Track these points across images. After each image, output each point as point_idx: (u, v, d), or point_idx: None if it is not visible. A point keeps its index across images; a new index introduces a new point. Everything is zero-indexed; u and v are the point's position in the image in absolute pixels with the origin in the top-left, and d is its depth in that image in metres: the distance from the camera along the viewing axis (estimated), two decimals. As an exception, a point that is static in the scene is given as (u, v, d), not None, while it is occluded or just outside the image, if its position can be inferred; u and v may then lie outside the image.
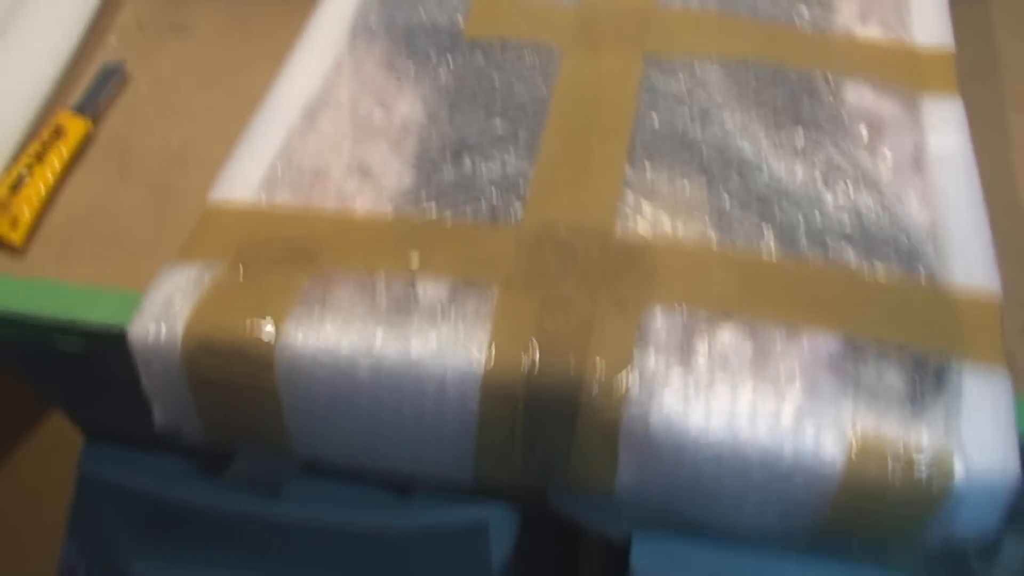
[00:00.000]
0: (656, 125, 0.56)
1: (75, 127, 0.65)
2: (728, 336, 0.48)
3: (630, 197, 0.53)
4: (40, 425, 0.82)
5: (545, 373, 0.46)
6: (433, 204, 0.53)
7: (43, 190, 0.62)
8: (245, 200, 0.54)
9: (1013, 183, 0.61)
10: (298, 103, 0.59)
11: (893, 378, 0.46)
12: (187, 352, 0.48)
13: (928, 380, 0.46)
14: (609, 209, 0.53)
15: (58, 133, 0.65)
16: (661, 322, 0.48)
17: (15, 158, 0.64)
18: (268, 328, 0.47)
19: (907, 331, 0.48)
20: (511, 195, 0.53)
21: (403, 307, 0.48)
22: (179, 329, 0.48)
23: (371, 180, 0.55)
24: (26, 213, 0.61)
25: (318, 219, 0.52)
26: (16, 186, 0.62)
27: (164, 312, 0.48)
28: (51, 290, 0.58)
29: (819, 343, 0.48)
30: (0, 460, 0.82)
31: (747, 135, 0.55)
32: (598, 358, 0.46)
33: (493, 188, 0.53)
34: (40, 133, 0.65)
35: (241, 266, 0.50)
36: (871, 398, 0.46)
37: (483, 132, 0.56)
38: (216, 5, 0.77)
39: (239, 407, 0.49)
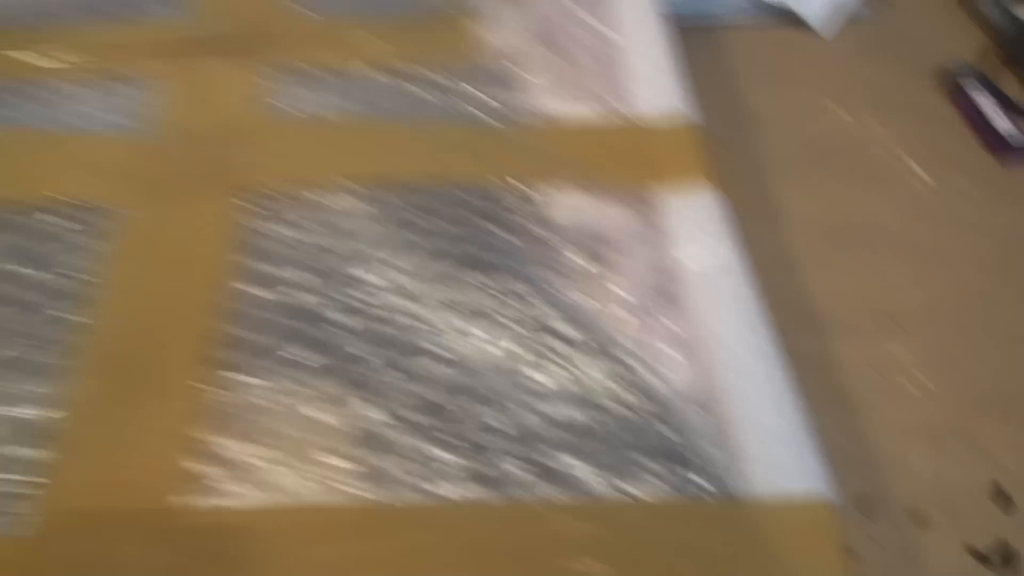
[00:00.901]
0: (257, 303, 0.35)
1: None
2: None
3: (210, 440, 0.31)
4: None
5: None
6: None
7: None
8: None
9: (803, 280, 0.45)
10: None
11: None
12: None
13: None
14: (172, 466, 0.31)
15: None
16: None
17: None
18: None
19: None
20: (21, 475, 0.30)
21: None
22: None
23: None
24: None
25: None
26: None
27: None
28: None
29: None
30: None
31: (405, 299, 0.35)
32: None
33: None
34: None
35: None
36: None
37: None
38: None
39: None
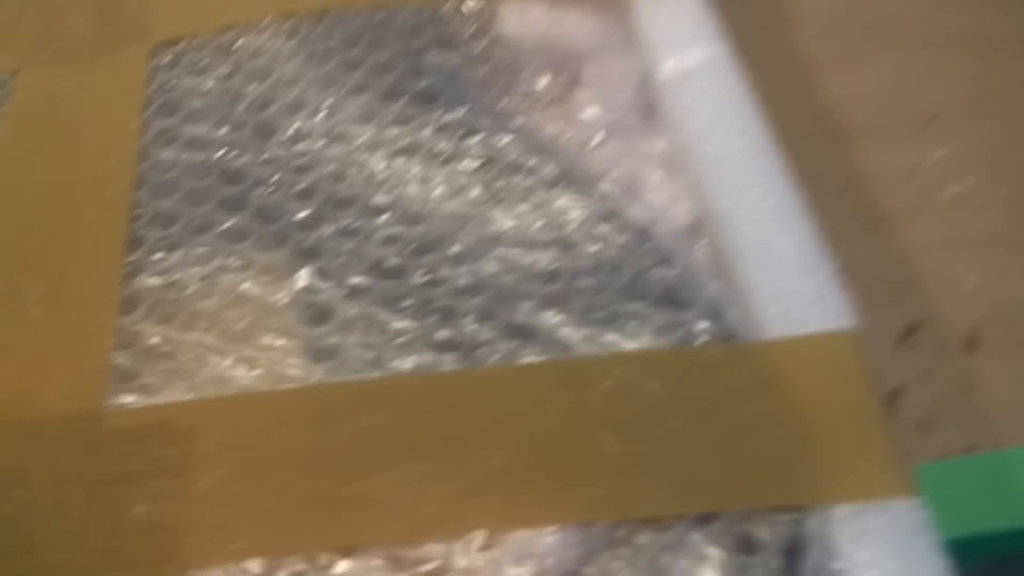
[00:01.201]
0: (188, 171, 0.31)
1: None
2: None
3: (145, 331, 0.28)
4: None
5: None
6: None
7: None
8: None
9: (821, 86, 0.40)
10: None
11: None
12: None
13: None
14: (103, 364, 0.27)
15: None
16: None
17: None
18: None
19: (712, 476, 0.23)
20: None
21: None
22: None
23: None
24: None
25: None
26: None
27: None
28: None
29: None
30: None
31: (356, 150, 0.30)
32: None
33: None
34: None
35: None
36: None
37: None
38: None
39: None
